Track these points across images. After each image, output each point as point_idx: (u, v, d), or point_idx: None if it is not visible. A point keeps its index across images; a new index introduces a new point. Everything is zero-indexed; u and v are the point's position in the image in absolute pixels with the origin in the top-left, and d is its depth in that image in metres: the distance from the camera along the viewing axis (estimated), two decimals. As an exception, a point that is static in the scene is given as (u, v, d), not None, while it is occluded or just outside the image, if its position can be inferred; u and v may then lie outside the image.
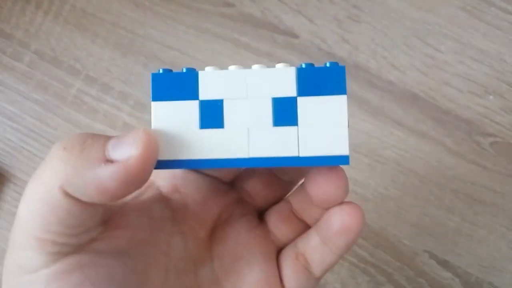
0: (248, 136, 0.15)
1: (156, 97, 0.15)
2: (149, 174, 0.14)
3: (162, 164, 0.15)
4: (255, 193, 0.20)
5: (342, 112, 0.15)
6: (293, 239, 0.19)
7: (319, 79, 0.15)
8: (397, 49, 0.34)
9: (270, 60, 0.34)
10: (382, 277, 0.32)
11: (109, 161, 0.13)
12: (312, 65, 0.15)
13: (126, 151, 0.13)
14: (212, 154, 0.15)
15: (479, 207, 0.32)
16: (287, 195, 0.21)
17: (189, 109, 0.15)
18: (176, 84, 0.15)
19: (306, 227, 0.19)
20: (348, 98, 0.15)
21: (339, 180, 0.16)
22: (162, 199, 0.18)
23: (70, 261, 0.14)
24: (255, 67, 0.15)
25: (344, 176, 0.16)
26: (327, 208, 0.17)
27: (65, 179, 0.13)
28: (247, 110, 0.15)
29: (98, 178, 0.13)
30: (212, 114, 0.15)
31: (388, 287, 0.32)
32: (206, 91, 0.15)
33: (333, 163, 0.15)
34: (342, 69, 0.15)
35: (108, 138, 0.14)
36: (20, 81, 0.36)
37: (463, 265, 0.31)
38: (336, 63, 0.15)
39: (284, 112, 0.15)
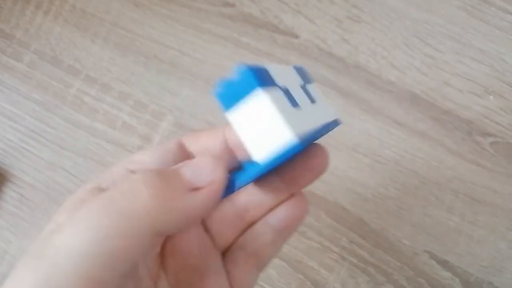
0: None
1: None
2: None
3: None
4: None
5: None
6: (234, 240, 0.19)
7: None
8: (397, 49, 0.34)
9: (270, 60, 0.34)
10: (382, 277, 0.32)
11: (195, 189, 0.14)
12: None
13: (207, 175, 0.15)
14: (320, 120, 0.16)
15: (479, 207, 0.32)
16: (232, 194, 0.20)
17: (277, 97, 0.15)
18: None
19: (247, 225, 0.19)
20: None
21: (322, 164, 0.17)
22: None
23: None
24: None
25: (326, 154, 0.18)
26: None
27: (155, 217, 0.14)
28: None
29: (190, 206, 0.14)
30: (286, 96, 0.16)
31: (388, 287, 0.32)
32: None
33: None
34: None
35: (176, 171, 0.15)
36: (20, 81, 0.36)
37: (463, 265, 0.31)
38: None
39: None
